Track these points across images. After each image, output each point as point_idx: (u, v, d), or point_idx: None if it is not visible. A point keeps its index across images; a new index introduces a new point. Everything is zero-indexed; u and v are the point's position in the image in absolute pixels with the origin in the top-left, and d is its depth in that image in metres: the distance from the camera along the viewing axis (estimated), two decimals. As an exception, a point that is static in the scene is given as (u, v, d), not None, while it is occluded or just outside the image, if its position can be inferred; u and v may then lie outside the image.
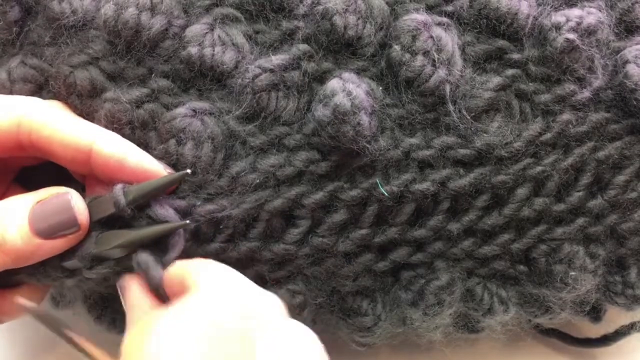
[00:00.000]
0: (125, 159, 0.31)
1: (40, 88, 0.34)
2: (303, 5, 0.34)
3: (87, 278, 0.32)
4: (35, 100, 0.32)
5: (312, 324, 0.38)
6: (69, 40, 0.33)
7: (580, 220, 0.36)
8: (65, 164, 0.32)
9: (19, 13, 0.34)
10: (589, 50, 0.34)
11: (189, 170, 0.32)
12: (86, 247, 0.31)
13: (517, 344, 0.45)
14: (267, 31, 0.34)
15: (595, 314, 0.41)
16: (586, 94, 0.34)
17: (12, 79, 0.33)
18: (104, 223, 0.32)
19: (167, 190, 0.32)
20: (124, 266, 0.31)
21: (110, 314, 0.39)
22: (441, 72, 0.33)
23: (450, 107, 0.33)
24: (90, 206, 0.31)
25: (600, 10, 0.35)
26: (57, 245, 0.31)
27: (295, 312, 0.36)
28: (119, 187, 0.31)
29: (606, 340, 0.44)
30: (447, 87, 0.33)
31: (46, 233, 0.30)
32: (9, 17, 0.34)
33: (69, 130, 0.31)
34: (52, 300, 0.40)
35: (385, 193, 0.34)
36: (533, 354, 0.46)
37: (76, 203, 0.31)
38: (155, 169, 0.32)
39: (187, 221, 0.31)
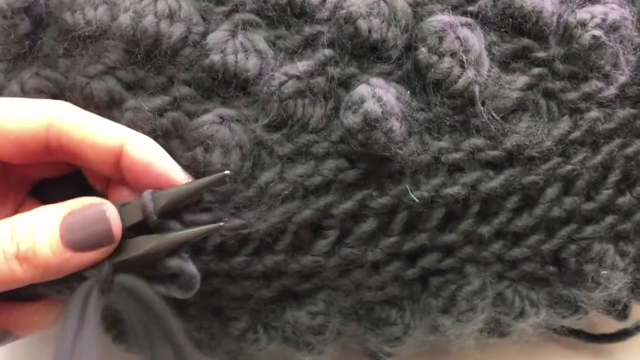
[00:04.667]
0: (153, 164, 0.30)
1: (54, 99, 0.32)
2: (325, 10, 0.33)
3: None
4: (63, 103, 0.31)
5: (337, 335, 0.37)
6: (84, 51, 0.32)
7: (610, 218, 0.35)
8: (94, 168, 0.31)
9: (29, 25, 0.32)
10: (614, 46, 0.33)
11: (227, 172, 0.30)
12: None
13: (528, 341, 0.44)
14: (289, 36, 0.33)
15: (622, 311, 0.40)
16: (612, 90, 0.34)
17: (25, 90, 0.32)
18: (127, 231, 0.30)
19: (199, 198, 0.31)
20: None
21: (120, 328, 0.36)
22: (470, 73, 0.32)
23: (480, 108, 0.33)
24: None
25: (622, 6, 0.34)
26: (88, 258, 0.29)
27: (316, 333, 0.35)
28: (147, 193, 0.29)
29: (624, 335, 0.43)
30: (477, 88, 0.32)
31: (78, 245, 0.28)
32: (19, 30, 0.32)
33: (100, 131, 0.30)
34: None
35: (416, 199, 0.33)
36: (545, 352, 0.45)
37: (111, 214, 0.29)
38: (180, 178, 0.31)
39: (221, 223, 0.30)
